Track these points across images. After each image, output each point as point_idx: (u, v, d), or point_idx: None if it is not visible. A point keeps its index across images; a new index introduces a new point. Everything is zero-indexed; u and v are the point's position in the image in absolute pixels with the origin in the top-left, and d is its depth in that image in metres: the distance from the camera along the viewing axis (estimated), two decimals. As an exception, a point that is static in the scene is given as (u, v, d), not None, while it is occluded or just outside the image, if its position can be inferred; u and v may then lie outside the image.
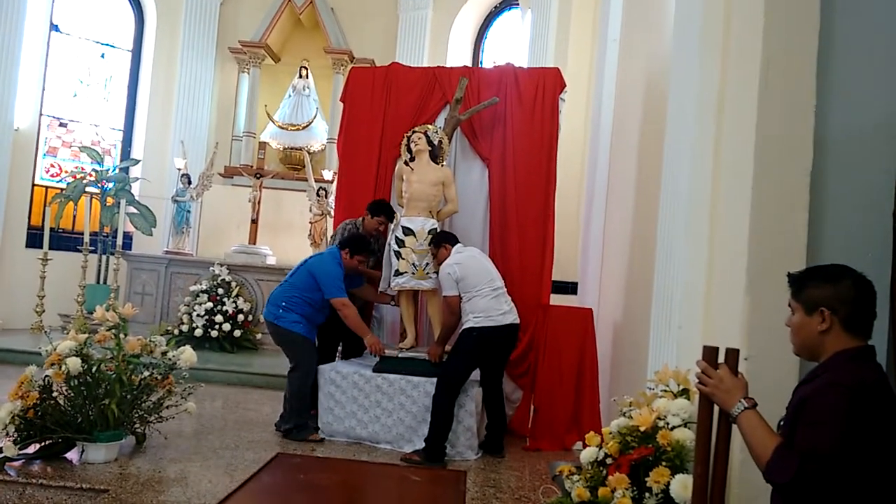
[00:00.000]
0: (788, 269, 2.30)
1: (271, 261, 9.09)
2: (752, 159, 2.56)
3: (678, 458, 2.42)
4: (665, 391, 2.69)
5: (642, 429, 2.54)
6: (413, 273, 4.86)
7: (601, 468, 2.60)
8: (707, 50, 2.98)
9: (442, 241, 4.74)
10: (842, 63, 2.58)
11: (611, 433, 2.67)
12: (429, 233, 4.87)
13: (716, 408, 2.01)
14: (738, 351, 2.04)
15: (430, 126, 5.30)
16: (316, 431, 4.66)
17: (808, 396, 1.73)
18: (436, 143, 5.15)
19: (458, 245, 4.72)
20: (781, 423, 1.87)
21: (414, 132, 5.13)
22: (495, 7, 10.85)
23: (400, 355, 4.78)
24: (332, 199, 8.50)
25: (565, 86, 5.49)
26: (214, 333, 7.93)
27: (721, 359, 2.03)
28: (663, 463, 2.40)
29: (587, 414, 4.86)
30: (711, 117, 2.93)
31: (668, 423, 2.51)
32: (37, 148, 9.89)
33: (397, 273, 4.90)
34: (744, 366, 2.23)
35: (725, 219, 2.77)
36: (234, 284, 8.33)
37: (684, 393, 2.63)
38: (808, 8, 2.60)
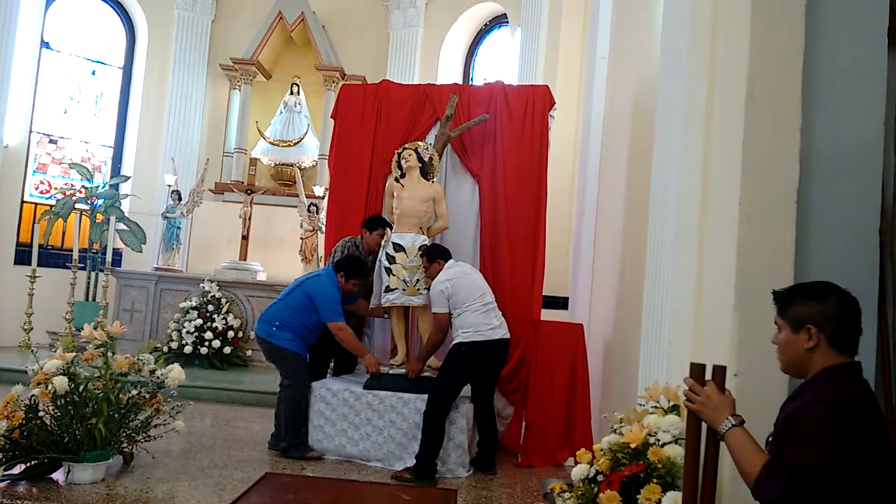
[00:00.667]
0: (776, 285, 2.31)
1: (262, 277, 9.06)
2: (739, 176, 2.58)
3: (669, 475, 2.41)
4: (655, 407, 2.69)
5: (633, 445, 2.54)
6: (403, 289, 4.86)
7: (592, 485, 2.59)
8: (694, 68, 3.02)
9: (435, 255, 4.74)
10: (827, 80, 2.61)
11: (602, 450, 2.66)
12: (419, 249, 4.87)
13: (704, 425, 2.01)
14: (725, 368, 2.05)
15: (420, 143, 5.34)
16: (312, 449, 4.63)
17: (795, 413, 1.73)
18: (426, 159, 5.17)
19: (451, 261, 4.73)
20: (770, 439, 1.88)
21: (404, 149, 5.15)
22: (485, 25, 10.93)
23: (390, 372, 4.76)
24: (323, 215, 8.51)
25: (555, 103, 5.54)
26: (204, 350, 7.88)
27: (708, 376, 2.04)
28: (654, 480, 2.39)
29: (579, 430, 4.85)
30: (699, 134, 2.96)
31: (658, 440, 2.51)
32: (26, 165, 9.84)
33: (388, 289, 4.90)
34: (732, 382, 2.24)
35: (713, 235, 2.79)
36: (224, 301, 8.29)
37: (675, 409, 2.63)
38: (792, 27, 2.64)
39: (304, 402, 4.65)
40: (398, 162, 5.15)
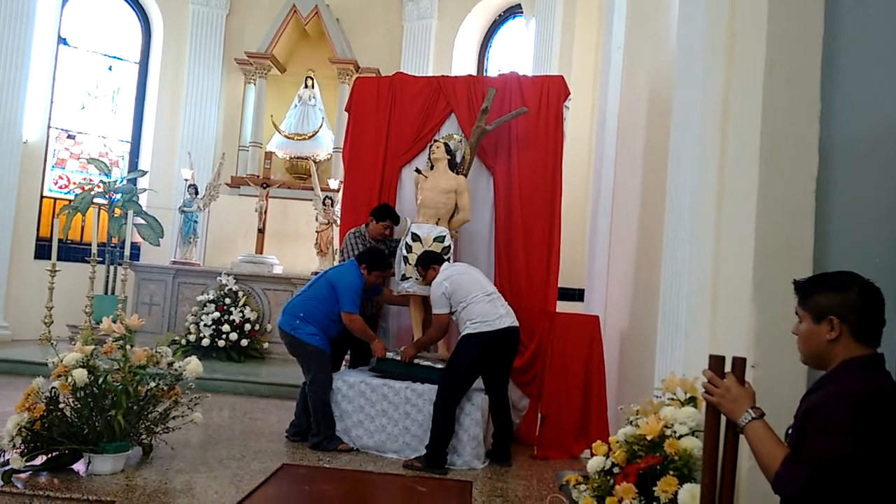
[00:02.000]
0: (795, 275, 2.28)
1: (278, 270, 9.10)
2: (756, 165, 2.55)
3: (686, 468, 2.39)
4: (672, 399, 2.67)
5: (649, 437, 2.52)
6: (416, 278, 4.89)
7: (608, 477, 2.58)
8: (711, 56, 2.98)
9: (429, 262, 4.74)
10: (846, 68, 2.57)
11: (618, 442, 2.64)
12: (435, 239, 4.89)
13: (723, 417, 1.99)
14: (745, 360, 2.02)
15: (455, 136, 5.35)
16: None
17: (816, 405, 1.71)
18: (456, 152, 5.18)
19: (446, 263, 4.76)
20: (790, 431, 1.85)
21: (435, 141, 5.18)
22: (499, 16, 10.87)
23: (396, 357, 4.78)
24: (338, 207, 8.51)
25: (569, 93, 5.49)
26: (221, 343, 7.94)
27: (728, 368, 2.01)
28: (671, 472, 2.37)
29: (595, 422, 4.84)
30: (716, 123, 2.92)
31: (675, 432, 2.49)
32: (45, 160, 9.95)
33: (404, 277, 4.97)
34: (751, 373, 2.22)
35: (730, 225, 2.76)
36: (240, 294, 8.34)
37: (691, 401, 2.60)
38: (811, 13, 2.60)
39: (329, 396, 4.67)
40: (429, 155, 5.19)
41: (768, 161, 2.54)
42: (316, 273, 5.92)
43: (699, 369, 2.78)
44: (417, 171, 5.23)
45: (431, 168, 5.15)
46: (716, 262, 2.84)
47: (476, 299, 4.46)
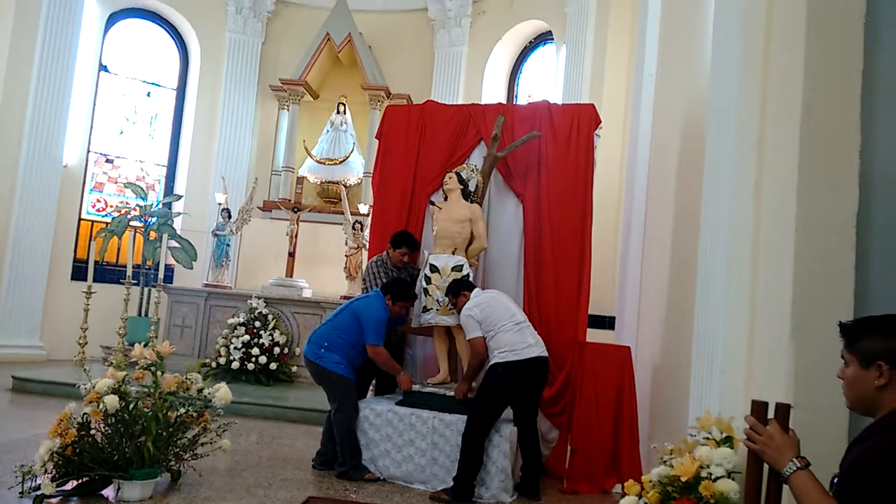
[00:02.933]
0: (835, 313, 2.21)
1: (307, 293, 9.15)
2: (794, 200, 2.49)
3: (722, 511, 2.31)
4: (707, 439, 2.59)
5: (684, 479, 2.44)
6: (437, 309, 4.89)
7: (641, 518, 2.51)
8: (746, 86, 2.93)
9: (460, 289, 4.73)
10: (887, 100, 2.50)
11: (651, 482, 2.57)
12: (452, 269, 4.89)
13: (765, 464, 1.92)
14: (788, 406, 1.95)
15: (466, 165, 5.37)
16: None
17: (864, 458, 1.64)
18: (469, 182, 5.19)
19: (476, 289, 4.74)
20: (835, 479, 1.78)
21: (447, 172, 5.20)
22: (530, 42, 10.92)
23: (423, 389, 4.75)
24: (367, 232, 8.56)
25: (600, 122, 5.47)
26: (251, 366, 7.98)
27: (771, 414, 1.95)
28: (706, 516, 2.30)
29: (626, 456, 4.72)
30: (752, 155, 2.87)
31: (710, 474, 2.41)
32: (84, 183, 10.22)
33: (425, 309, 4.96)
34: (791, 415, 2.14)
35: (768, 260, 2.69)
36: (270, 317, 8.39)
37: (728, 441, 2.52)
38: (850, 42, 2.55)
39: (354, 425, 4.66)
40: (442, 187, 5.21)
41: (807, 194, 2.48)
42: (346, 298, 5.92)
43: (735, 407, 2.71)
44: (431, 202, 5.27)
45: (445, 199, 5.16)
46: (753, 296, 2.77)
47: (505, 328, 4.42)
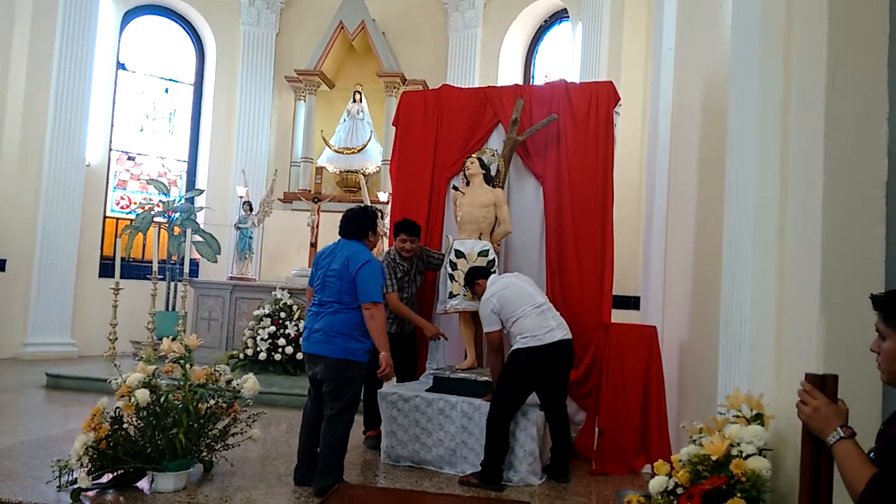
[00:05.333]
0: (865, 286, 2.16)
1: (331, 283, 9.18)
2: (821, 171, 2.43)
3: (754, 489, 2.29)
4: (737, 417, 2.56)
5: (714, 457, 2.43)
6: (464, 295, 4.88)
7: (671, 498, 2.49)
8: (768, 55, 2.86)
9: (475, 277, 4.70)
10: (916, 64, 2.42)
11: (681, 461, 2.55)
12: (479, 254, 4.87)
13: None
14: (836, 377, 1.94)
15: (487, 150, 5.35)
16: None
17: None
18: (490, 166, 5.17)
19: (493, 276, 4.69)
20: (871, 455, 1.75)
21: (468, 157, 5.17)
22: (545, 21, 10.79)
23: (451, 375, 4.75)
24: (387, 220, 8.56)
25: (619, 99, 5.39)
26: (278, 357, 8.06)
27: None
28: (738, 494, 2.28)
29: (655, 436, 4.70)
30: (776, 127, 2.81)
31: (741, 452, 2.39)
32: (107, 182, 10.35)
33: (451, 295, 4.95)
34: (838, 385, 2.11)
35: (795, 234, 2.64)
36: (295, 308, 8.45)
37: (758, 419, 2.50)
38: (876, 6, 2.47)
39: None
40: (464, 172, 5.17)
41: (834, 166, 2.42)
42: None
43: (765, 384, 2.68)
44: (455, 187, 5.24)
45: (468, 184, 5.13)
46: (780, 270, 2.72)
47: (525, 313, 4.38)
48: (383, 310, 4.11)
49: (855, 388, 2.25)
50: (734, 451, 2.41)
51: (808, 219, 2.48)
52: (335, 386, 3.99)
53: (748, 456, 2.37)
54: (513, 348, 4.40)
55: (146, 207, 10.00)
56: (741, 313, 2.91)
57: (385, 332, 4.11)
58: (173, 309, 9.51)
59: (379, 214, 8.71)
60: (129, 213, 10.41)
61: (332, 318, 4.02)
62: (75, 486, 3.59)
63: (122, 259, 8.73)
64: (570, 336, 4.47)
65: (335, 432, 3.97)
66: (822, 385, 1.92)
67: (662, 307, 5.76)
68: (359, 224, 4.22)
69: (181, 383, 3.88)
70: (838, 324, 2.34)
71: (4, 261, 8.88)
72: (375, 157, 10.60)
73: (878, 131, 2.38)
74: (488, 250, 4.91)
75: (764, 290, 2.72)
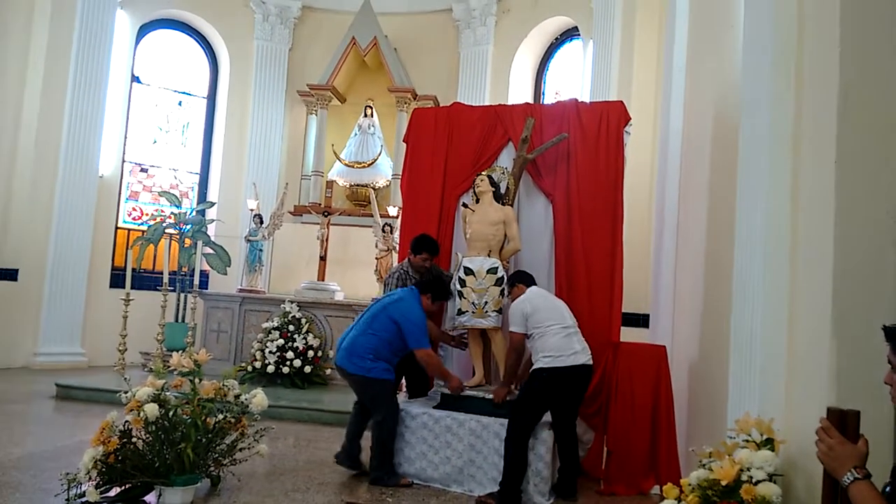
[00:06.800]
0: (878, 310, 2.15)
1: (339, 296, 9.21)
2: (833, 194, 2.43)
3: (764, 515, 2.27)
4: (747, 441, 2.55)
5: (724, 482, 2.41)
6: (473, 312, 4.87)
7: (681, 522, 2.48)
8: (780, 74, 2.87)
9: (518, 280, 4.76)
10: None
11: (690, 485, 2.54)
12: (488, 272, 4.88)
13: None
14: (858, 413, 1.91)
15: (497, 167, 5.36)
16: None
17: None
18: (500, 183, 5.18)
19: (533, 287, 4.72)
20: (887, 489, 1.73)
21: (478, 175, 5.19)
22: (556, 39, 10.84)
23: (461, 393, 4.74)
24: (397, 234, 8.59)
25: (630, 118, 5.40)
26: (286, 370, 8.06)
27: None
28: (748, 520, 2.26)
29: (664, 457, 4.66)
30: (787, 148, 2.81)
31: (751, 477, 2.37)
32: (119, 193, 10.44)
33: (459, 312, 4.95)
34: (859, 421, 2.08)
35: (806, 258, 2.63)
36: (303, 321, 8.47)
37: (768, 443, 2.48)
38: (887, 29, 2.47)
39: (396, 431, 4.65)
40: (473, 189, 5.20)
41: (845, 189, 2.42)
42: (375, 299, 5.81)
43: (776, 408, 2.66)
44: (464, 205, 5.27)
45: (477, 201, 5.15)
46: (791, 293, 2.72)
47: (552, 330, 4.38)
48: (433, 353, 4.80)
49: (866, 415, 2.23)
50: (744, 477, 2.40)
51: (819, 244, 2.47)
52: (366, 399, 4.75)
53: (758, 481, 2.35)
54: (534, 367, 4.39)
55: (158, 219, 10.08)
56: (752, 335, 2.90)
57: (443, 369, 4.86)
58: (183, 320, 9.55)
59: (389, 230, 8.79)
60: (141, 224, 10.49)
61: (355, 339, 4.71)
62: (83, 500, 3.60)
63: (133, 270, 8.76)
64: (591, 362, 4.47)
65: (379, 435, 4.57)
66: (843, 421, 1.88)
67: (672, 327, 5.73)
68: (428, 284, 4.89)
69: (190, 398, 3.89)
70: (849, 348, 2.33)
71: (17, 270, 8.96)
72: (386, 171, 10.65)
73: (891, 153, 2.38)
74: (497, 268, 4.92)
75: (775, 315, 2.71)
